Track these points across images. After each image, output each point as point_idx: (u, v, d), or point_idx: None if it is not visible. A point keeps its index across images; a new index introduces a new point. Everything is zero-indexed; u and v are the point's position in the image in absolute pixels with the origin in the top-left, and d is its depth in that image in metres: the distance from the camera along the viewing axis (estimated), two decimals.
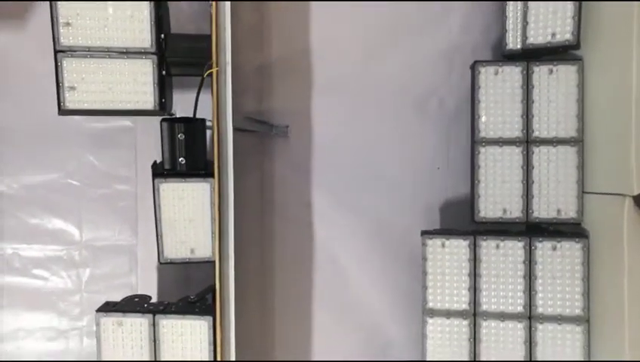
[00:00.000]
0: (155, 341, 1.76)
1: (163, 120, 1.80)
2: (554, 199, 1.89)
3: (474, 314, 1.92)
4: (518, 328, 1.89)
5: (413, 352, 2.15)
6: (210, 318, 1.74)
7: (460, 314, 1.93)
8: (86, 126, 2.22)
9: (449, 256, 1.97)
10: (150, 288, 2.18)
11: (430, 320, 1.97)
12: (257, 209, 2.23)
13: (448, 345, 1.93)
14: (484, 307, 1.92)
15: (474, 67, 1.93)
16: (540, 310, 1.87)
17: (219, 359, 1.71)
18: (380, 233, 2.20)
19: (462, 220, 2.06)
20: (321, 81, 2.20)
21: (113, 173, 2.22)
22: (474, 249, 1.93)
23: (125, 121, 2.21)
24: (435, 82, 2.16)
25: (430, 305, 1.97)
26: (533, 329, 1.87)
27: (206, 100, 1.75)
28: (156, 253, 1.82)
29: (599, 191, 1.81)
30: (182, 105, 2.04)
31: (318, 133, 2.21)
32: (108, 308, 1.83)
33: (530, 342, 1.87)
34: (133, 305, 1.87)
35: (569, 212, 1.89)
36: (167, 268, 2.02)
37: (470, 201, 1.98)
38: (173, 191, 1.80)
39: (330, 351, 2.21)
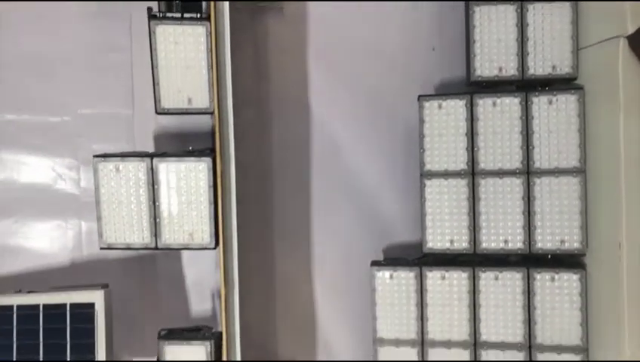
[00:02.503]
0: (153, 185, 1.73)
1: None
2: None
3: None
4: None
5: (411, 230, 2.14)
6: (210, 159, 1.72)
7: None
8: None
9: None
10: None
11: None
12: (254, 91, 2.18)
13: None
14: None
15: None
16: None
17: (220, 195, 1.69)
18: (377, 112, 2.17)
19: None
20: None
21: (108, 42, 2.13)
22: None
23: None
24: None
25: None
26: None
27: None
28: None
29: (593, 42, 1.79)
30: None
31: (313, 11, 2.17)
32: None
33: None
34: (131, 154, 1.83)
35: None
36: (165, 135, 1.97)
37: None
38: (170, 34, 1.76)
39: (328, 228, 2.21)
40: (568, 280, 1.88)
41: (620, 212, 1.80)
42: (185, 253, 2.11)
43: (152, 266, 2.08)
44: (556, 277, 1.89)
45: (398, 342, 2.01)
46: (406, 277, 2.00)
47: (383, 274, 2.02)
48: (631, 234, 1.76)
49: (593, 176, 1.87)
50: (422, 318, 1.98)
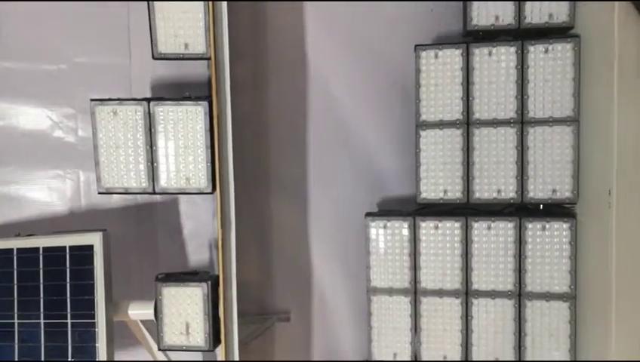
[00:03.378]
0: (150, 129, 1.75)
1: None
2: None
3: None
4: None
5: (406, 183, 2.14)
6: (207, 103, 1.74)
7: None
8: None
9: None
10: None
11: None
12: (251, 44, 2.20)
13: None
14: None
15: None
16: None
17: (216, 139, 1.71)
18: (375, 66, 2.17)
19: None
20: None
21: None
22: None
23: None
24: None
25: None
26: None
27: None
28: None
29: None
30: None
31: None
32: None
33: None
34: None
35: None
36: (162, 84, 1.98)
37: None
38: None
39: (323, 181, 2.23)
40: (559, 229, 1.91)
41: (612, 160, 1.82)
42: (182, 203, 2.13)
43: (150, 214, 2.10)
44: (547, 226, 1.92)
45: (391, 291, 2.05)
46: (400, 227, 2.03)
47: (377, 225, 2.05)
48: (621, 180, 1.79)
49: (586, 124, 1.88)
50: (415, 267, 2.02)
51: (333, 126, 2.20)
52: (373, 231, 2.05)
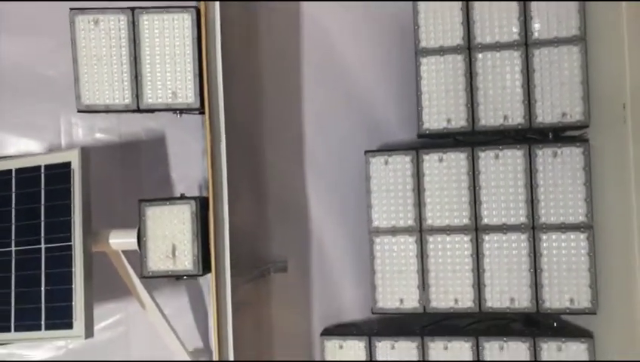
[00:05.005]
0: (134, 40, 1.63)
1: None
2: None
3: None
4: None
5: (405, 131, 2.03)
6: (194, 10, 1.62)
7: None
8: None
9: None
10: None
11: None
12: None
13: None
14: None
15: None
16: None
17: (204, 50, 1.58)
18: (371, 11, 2.07)
19: None
20: None
21: None
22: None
23: None
24: None
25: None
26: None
27: None
28: None
29: None
30: None
31: None
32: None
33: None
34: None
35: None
36: None
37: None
38: None
39: (320, 124, 2.10)
40: (571, 155, 1.80)
41: (624, 73, 1.73)
42: (168, 130, 1.99)
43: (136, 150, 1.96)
44: (559, 152, 1.81)
45: (394, 231, 1.91)
46: (402, 161, 1.91)
47: (378, 161, 1.93)
48: (636, 93, 1.69)
49: (594, 41, 1.80)
50: (419, 204, 1.89)
51: (330, 67, 2.10)
52: (373, 168, 1.93)
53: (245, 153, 2.04)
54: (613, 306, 1.77)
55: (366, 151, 1.94)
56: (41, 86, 2.02)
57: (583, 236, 1.79)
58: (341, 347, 1.95)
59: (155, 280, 1.87)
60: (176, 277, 1.89)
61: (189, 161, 1.95)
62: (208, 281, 1.73)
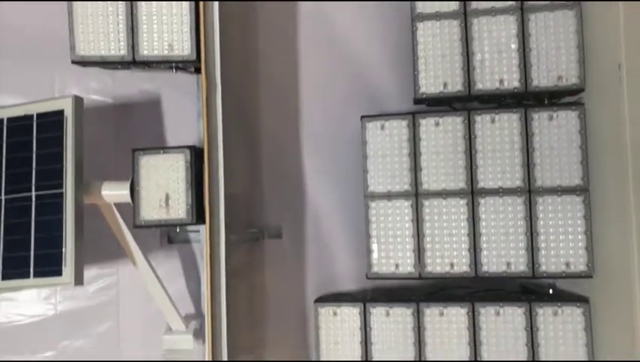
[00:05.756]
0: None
1: None
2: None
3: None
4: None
5: (402, 100, 2.02)
6: None
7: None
8: None
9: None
10: None
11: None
12: None
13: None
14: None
15: None
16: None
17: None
18: None
19: None
20: None
21: None
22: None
23: None
24: None
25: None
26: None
27: None
28: None
29: None
30: None
31: None
32: None
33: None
34: None
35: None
36: None
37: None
38: None
39: (317, 94, 2.09)
40: (566, 118, 1.81)
41: (619, 33, 1.74)
42: (163, 91, 1.96)
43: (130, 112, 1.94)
44: (554, 115, 1.81)
45: (390, 195, 1.89)
46: (398, 126, 1.91)
47: (374, 125, 1.93)
48: (630, 53, 1.70)
49: (588, 2, 1.82)
50: (415, 169, 1.88)
51: (325, 30, 2.10)
52: (369, 134, 1.92)
53: (240, 118, 2.03)
54: (609, 271, 1.76)
55: (362, 117, 1.93)
56: (35, 46, 1.99)
57: (578, 199, 1.79)
58: (335, 314, 1.92)
59: (147, 243, 1.86)
60: (168, 238, 1.87)
61: (185, 123, 1.93)
62: (202, 247, 1.71)
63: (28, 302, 1.90)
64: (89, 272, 1.89)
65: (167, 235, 1.92)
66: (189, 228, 1.89)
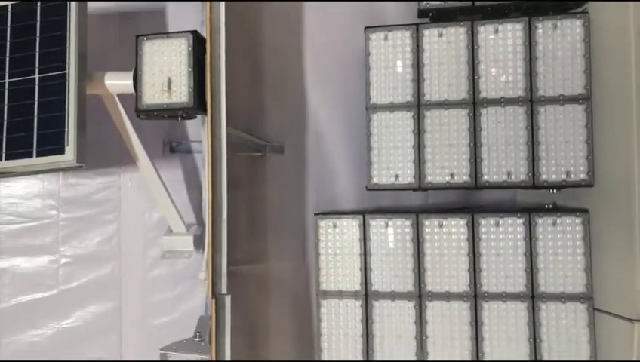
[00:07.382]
0: None
1: None
2: None
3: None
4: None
5: (405, 17, 2.01)
6: None
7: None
8: None
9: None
10: None
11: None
12: None
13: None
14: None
15: None
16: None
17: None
18: None
19: None
20: None
21: None
22: None
23: None
24: None
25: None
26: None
27: None
28: None
29: None
30: None
31: None
32: None
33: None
34: None
35: None
36: None
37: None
38: None
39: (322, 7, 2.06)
40: (571, 26, 1.79)
41: None
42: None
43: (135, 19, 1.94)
44: (558, 24, 1.80)
45: (392, 107, 1.89)
46: (402, 37, 1.90)
47: (378, 36, 1.91)
48: None
49: None
50: (418, 80, 1.88)
51: None
52: (373, 45, 1.91)
53: (244, 33, 2.02)
54: (610, 181, 1.76)
55: (366, 28, 1.92)
56: None
57: (580, 108, 1.78)
58: (335, 226, 1.93)
59: (150, 153, 1.85)
60: (170, 148, 1.86)
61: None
62: (203, 157, 1.71)
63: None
64: (92, 181, 1.90)
65: (170, 145, 1.92)
66: (191, 138, 1.89)
